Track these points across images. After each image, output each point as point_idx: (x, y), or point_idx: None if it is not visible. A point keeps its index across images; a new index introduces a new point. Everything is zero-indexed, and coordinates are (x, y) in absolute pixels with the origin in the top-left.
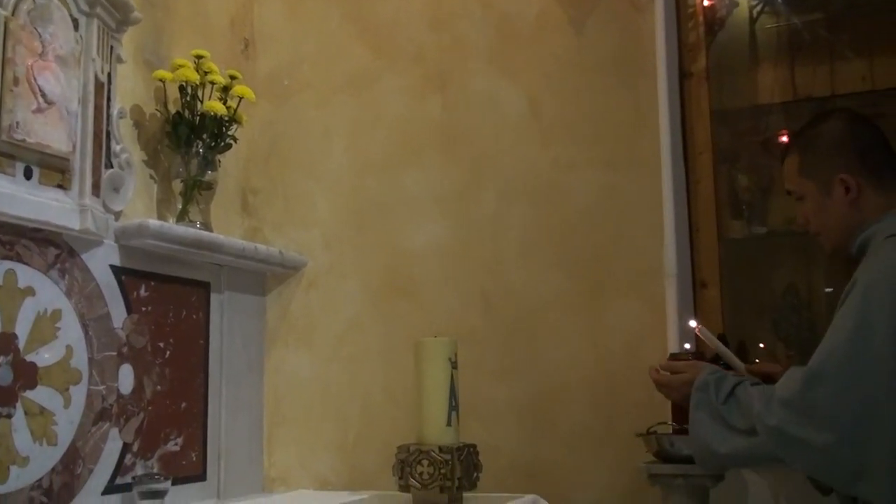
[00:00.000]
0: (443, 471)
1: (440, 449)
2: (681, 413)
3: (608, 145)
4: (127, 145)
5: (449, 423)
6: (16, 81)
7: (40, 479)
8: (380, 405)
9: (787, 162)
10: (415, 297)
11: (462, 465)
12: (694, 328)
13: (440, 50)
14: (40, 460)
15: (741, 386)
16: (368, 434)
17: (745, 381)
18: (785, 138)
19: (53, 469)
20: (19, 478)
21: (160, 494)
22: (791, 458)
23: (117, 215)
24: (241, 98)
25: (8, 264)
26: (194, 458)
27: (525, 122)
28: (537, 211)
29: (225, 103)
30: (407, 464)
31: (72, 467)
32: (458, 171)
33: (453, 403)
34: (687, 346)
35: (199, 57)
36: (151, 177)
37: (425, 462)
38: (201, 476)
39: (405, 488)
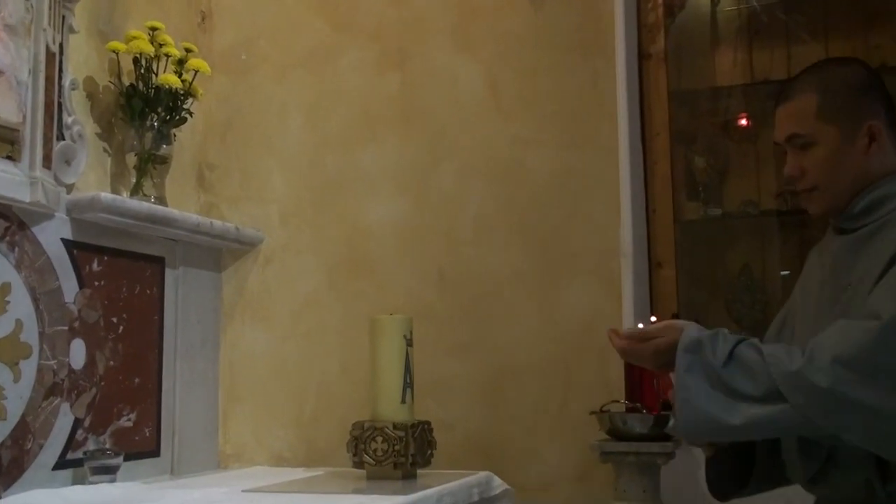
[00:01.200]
0: (397, 447)
1: (394, 426)
2: (635, 391)
3: (566, 124)
4: (79, 117)
5: (403, 401)
6: None
7: None
8: (336, 382)
9: (798, 103)
10: (372, 275)
11: (416, 442)
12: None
13: (400, 26)
14: None
15: (744, 345)
16: (324, 411)
17: (744, 338)
18: (744, 121)
19: (2, 444)
20: None
21: (112, 470)
22: (845, 426)
23: (69, 188)
24: (196, 71)
25: None
26: (148, 434)
27: (483, 100)
28: (495, 189)
29: (180, 76)
30: (361, 440)
31: (21, 442)
32: (417, 148)
33: (408, 380)
34: (641, 325)
35: (153, 29)
36: (105, 150)
37: (379, 439)
38: (155, 452)
39: (359, 465)
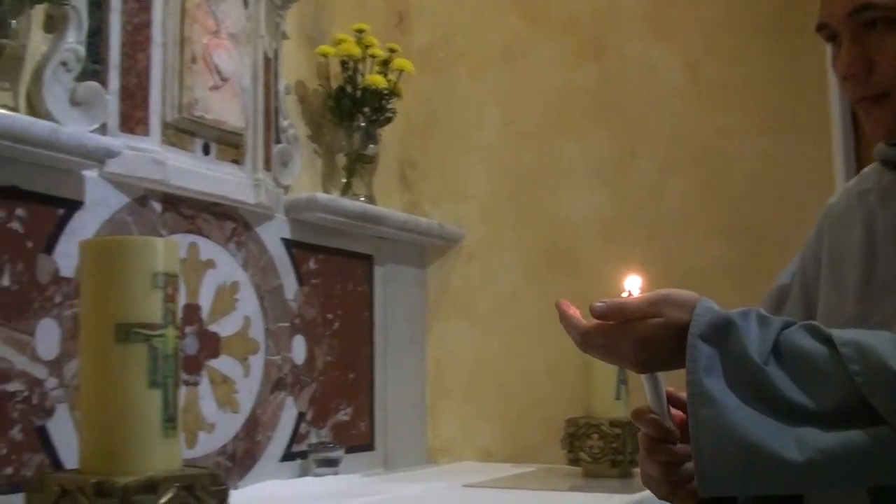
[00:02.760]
0: (613, 445)
1: (610, 423)
2: None
3: (772, 110)
4: (293, 121)
5: (618, 397)
6: (193, 59)
7: (225, 445)
8: (541, 378)
9: None
10: (573, 268)
11: (633, 440)
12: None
13: (594, 16)
14: (224, 427)
15: (797, 329)
16: (530, 407)
17: (792, 320)
18: None
19: (236, 435)
20: (206, 443)
21: (335, 463)
22: None
23: (285, 189)
24: (401, 71)
25: (191, 238)
26: (363, 428)
27: (684, 88)
28: (697, 179)
29: (384, 77)
30: (576, 437)
31: (252, 434)
32: (616, 140)
33: (622, 377)
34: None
35: (359, 31)
36: (315, 151)
37: (595, 436)
38: (370, 446)
39: (574, 462)
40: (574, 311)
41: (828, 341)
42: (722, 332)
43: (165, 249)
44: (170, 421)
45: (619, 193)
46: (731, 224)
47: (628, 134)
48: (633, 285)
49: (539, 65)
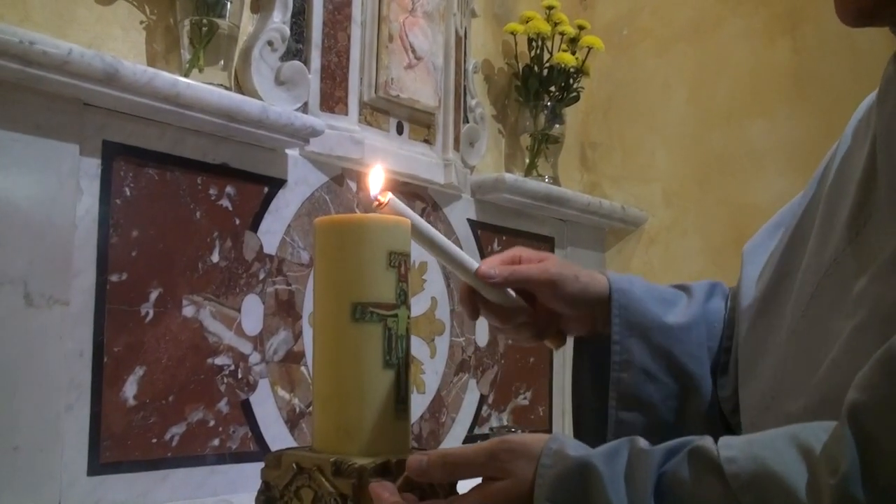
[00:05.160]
0: None
1: None
2: None
3: None
4: (479, 100)
5: None
6: (390, 38)
7: (412, 425)
8: None
9: None
10: None
11: None
12: (378, 201)
13: None
14: (412, 407)
15: (682, 461)
16: None
17: (684, 444)
18: None
19: (422, 416)
20: None
21: None
22: None
23: (471, 169)
24: (589, 49)
25: None
26: (541, 414)
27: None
28: None
29: (572, 55)
30: None
31: (437, 415)
32: (811, 121)
33: None
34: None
35: (549, 7)
36: (499, 131)
37: None
38: (548, 431)
39: None
40: (388, 497)
41: (719, 474)
42: (578, 488)
43: (399, 228)
44: (402, 403)
45: None
46: None
47: (825, 114)
48: (375, 184)
49: (728, 41)
